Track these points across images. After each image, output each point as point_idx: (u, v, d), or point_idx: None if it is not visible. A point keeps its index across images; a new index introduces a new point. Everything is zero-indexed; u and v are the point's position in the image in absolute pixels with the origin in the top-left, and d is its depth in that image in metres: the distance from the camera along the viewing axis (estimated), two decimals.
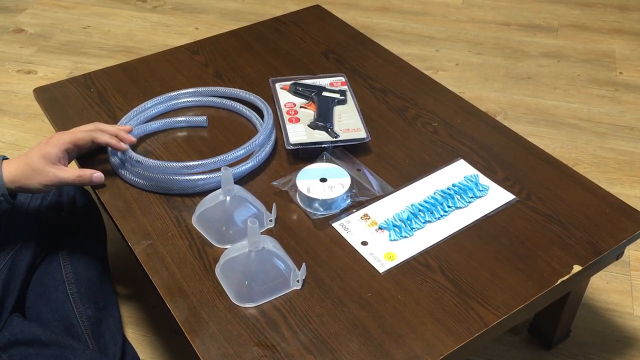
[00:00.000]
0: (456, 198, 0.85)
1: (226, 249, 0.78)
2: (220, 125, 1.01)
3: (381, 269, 0.76)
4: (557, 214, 0.84)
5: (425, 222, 0.82)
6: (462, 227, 0.82)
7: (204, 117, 1.00)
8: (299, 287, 0.74)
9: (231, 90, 1.04)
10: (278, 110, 1.00)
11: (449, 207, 0.84)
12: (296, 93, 1.03)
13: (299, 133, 0.94)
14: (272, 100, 1.03)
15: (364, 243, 0.80)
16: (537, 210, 0.84)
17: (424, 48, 2.08)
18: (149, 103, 1.01)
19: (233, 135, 0.98)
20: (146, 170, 0.87)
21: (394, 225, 0.82)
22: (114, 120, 1.00)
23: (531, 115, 1.74)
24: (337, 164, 0.89)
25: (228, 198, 0.81)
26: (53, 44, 1.97)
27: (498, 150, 0.94)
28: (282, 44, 1.21)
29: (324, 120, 0.96)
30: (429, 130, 0.99)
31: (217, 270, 0.76)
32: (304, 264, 0.74)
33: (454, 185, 0.87)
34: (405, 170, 0.91)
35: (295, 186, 0.85)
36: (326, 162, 0.90)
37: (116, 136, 0.88)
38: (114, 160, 0.91)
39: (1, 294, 0.88)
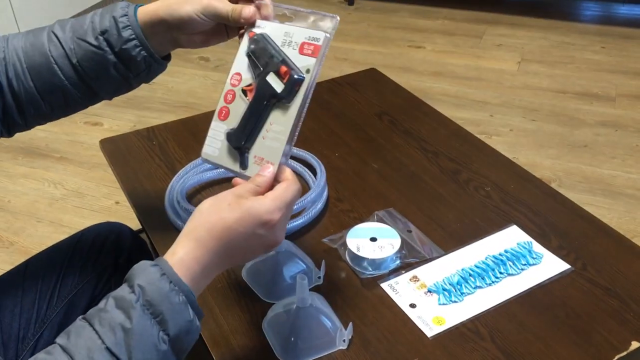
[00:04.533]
0: (508, 264, 0.84)
1: (274, 303, 0.78)
2: None
3: (429, 333, 0.75)
4: (615, 286, 0.81)
5: (476, 287, 0.81)
6: (514, 294, 0.80)
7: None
8: (345, 347, 0.73)
9: None
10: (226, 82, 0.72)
11: (500, 273, 0.83)
12: (251, 56, 0.70)
13: (215, 143, 0.71)
14: (322, 155, 1.03)
15: (412, 305, 0.79)
16: (594, 281, 0.82)
17: (478, 113, 2.09)
18: None
19: None
20: None
21: (444, 289, 0.80)
22: (173, 172, 1.03)
23: (587, 184, 1.71)
24: (388, 224, 0.89)
25: (277, 253, 0.82)
26: (119, 98, 2.07)
27: (553, 217, 0.93)
28: (336, 103, 1.24)
29: (240, 135, 0.69)
30: (481, 195, 0.98)
31: (264, 325, 0.76)
32: (350, 324, 0.74)
33: (506, 252, 0.86)
34: (456, 234, 0.90)
35: (345, 244, 0.86)
36: (377, 221, 0.91)
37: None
38: (171, 211, 0.94)
39: (54, 338, 0.90)
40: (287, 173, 0.66)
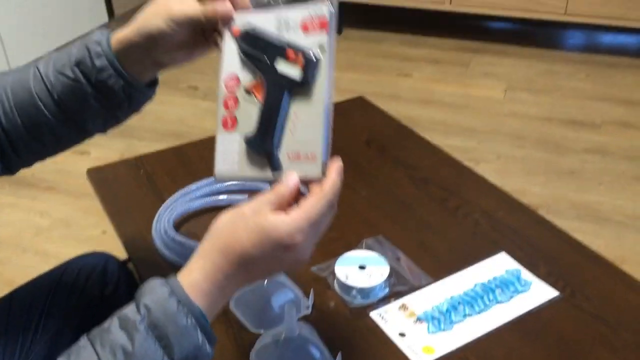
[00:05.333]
0: (497, 292, 0.83)
1: (262, 333, 0.77)
2: None
3: None
4: (604, 313, 0.81)
5: (465, 315, 0.81)
6: (503, 322, 0.79)
7: (245, 196, 1.02)
8: None
9: None
10: (217, 85, 0.65)
11: (489, 301, 0.82)
12: (246, 53, 0.63)
13: (229, 157, 0.64)
14: None
15: (402, 334, 0.78)
16: (583, 308, 0.81)
17: (466, 140, 2.10)
18: (194, 185, 1.04)
19: None
20: (188, 251, 0.88)
21: (433, 317, 0.80)
22: (161, 201, 1.03)
23: (575, 211, 1.72)
24: (377, 252, 0.89)
25: (266, 282, 0.81)
26: None
27: (541, 244, 0.93)
28: None
29: (265, 137, 0.62)
30: (470, 222, 0.98)
31: (252, 356, 0.75)
32: (339, 354, 0.73)
33: (495, 279, 0.86)
34: (445, 261, 0.90)
35: (333, 273, 0.85)
36: (366, 249, 0.90)
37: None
38: (158, 240, 0.93)
39: None
40: (328, 182, 0.58)
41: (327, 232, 0.96)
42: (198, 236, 0.96)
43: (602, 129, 2.14)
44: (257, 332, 0.79)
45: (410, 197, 1.04)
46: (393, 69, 2.64)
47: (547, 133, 2.12)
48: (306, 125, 0.61)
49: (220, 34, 0.66)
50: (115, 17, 3.11)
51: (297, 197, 0.59)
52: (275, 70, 0.61)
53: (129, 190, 1.08)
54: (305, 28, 0.61)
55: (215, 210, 1.02)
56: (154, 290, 0.55)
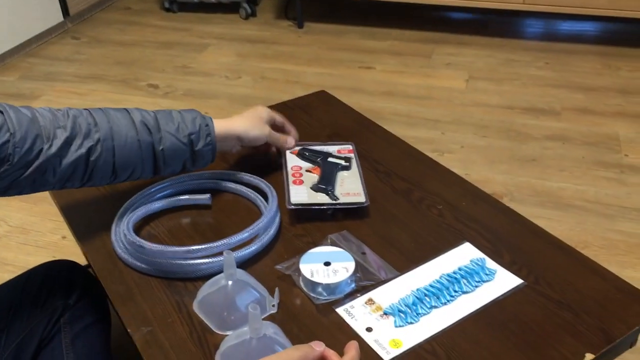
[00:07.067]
0: (462, 282, 0.84)
1: (227, 335, 0.76)
2: (225, 208, 1.01)
3: (386, 357, 0.74)
4: (567, 299, 0.82)
5: (432, 307, 0.81)
6: (469, 312, 0.80)
7: (207, 195, 1.00)
8: None
9: (235, 174, 1.05)
10: (284, 173, 1.04)
11: (455, 291, 0.82)
12: (303, 157, 1.08)
13: (300, 194, 0.99)
14: (273, 179, 1.03)
15: (369, 329, 0.78)
16: (546, 295, 0.82)
17: (430, 131, 2.11)
18: (154, 187, 1.01)
19: (237, 218, 0.98)
20: (148, 254, 0.86)
21: (399, 311, 0.80)
22: (120, 203, 1.00)
23: (538, 198, 1.74)
24: (342, 248, 0.88)
25: (230, 283, 0.80)
26: None
27: (504, 233, 0.94)
28: None
29: (326, 183, 1.01)
30: (434, 213, 0.98)
31: (217, 358, 0.74)
32: None
33: (460, 269, 0.86)
34: (410, 254, 0.90)
35: (298, 270, 0.84)
36: (331, 245, 0.90)
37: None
38: (117, 244, 0.91)
39: None
40: (347, 356, 0.66)
41: (291, 229, 0.95)
42: (159, 238, 0.94)
43: (562, 115, 2.18)
44: (222, 333, 0.78)
45: (374, 190, 1.04)
46: (355, 61, 2.63)
47: (508, 121, 2.15)
48: (351, 182, 1.03)
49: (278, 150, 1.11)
50: (70, 15, 3.03)
51: None
52: (327, 160, 1.07)
53: (87, 193, 1.05)
54: (339, 152, 1.11)
55: (176, 210, 1.00)
56: None
